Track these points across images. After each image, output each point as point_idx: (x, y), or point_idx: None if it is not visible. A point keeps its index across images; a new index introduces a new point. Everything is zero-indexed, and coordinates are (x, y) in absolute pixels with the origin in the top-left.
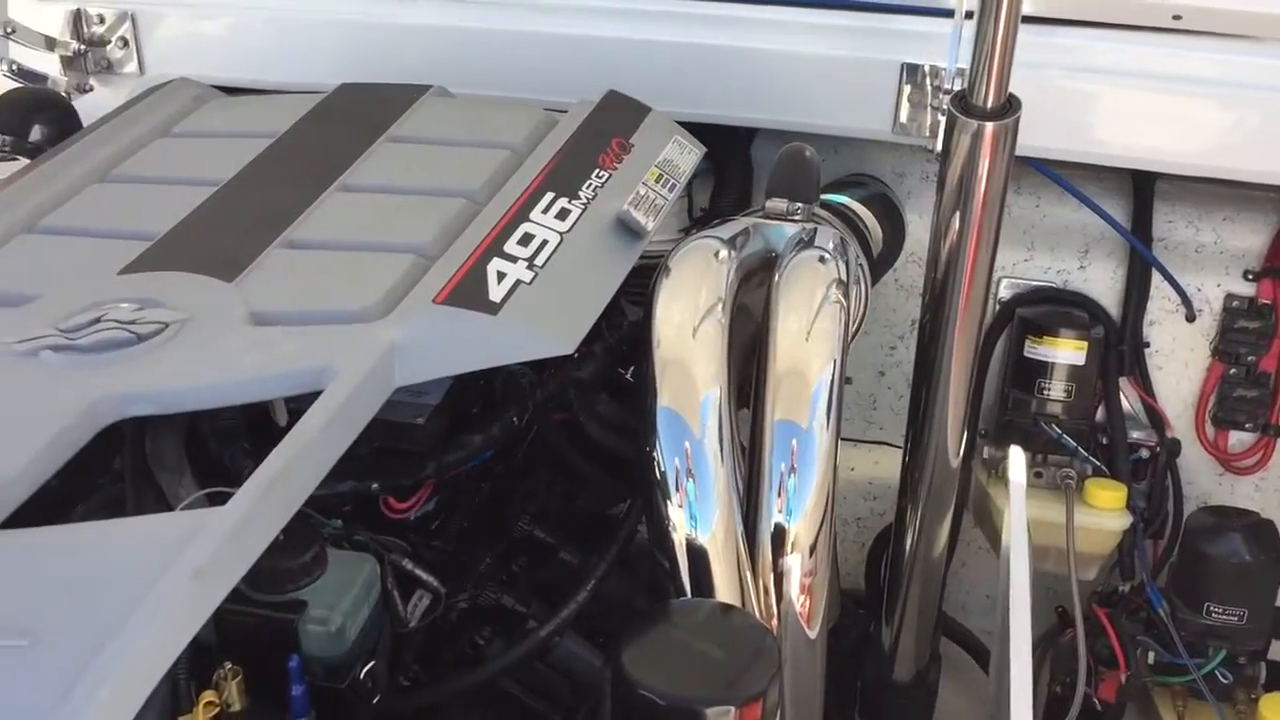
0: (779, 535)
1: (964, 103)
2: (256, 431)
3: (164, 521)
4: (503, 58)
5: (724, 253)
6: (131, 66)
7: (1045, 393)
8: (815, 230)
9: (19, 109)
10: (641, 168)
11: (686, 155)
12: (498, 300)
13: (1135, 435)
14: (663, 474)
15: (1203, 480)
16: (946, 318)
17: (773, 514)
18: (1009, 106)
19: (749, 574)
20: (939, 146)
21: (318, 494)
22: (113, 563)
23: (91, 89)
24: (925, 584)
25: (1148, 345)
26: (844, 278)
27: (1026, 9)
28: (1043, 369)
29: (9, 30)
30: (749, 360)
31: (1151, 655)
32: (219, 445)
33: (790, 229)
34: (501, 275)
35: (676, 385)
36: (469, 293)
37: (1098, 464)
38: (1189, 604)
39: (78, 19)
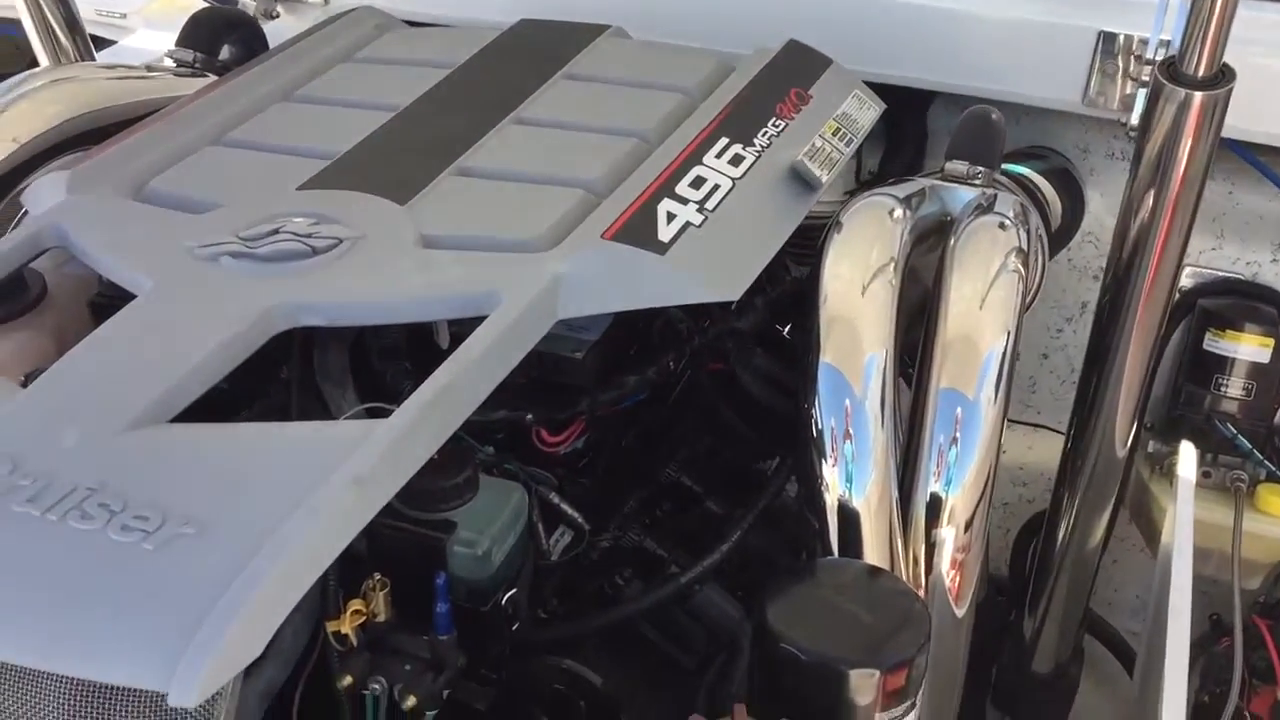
0: (934, 506)
1: (1172, 71)
2: (417, 353)
3: (329, 429)
4: (681, 3)
5: (899, 212)
6: None
7: (1222, 389)
8: (995, 196)
9: (211, 27)
10: (819, 120)
11: (866, 111)
12: (666, 240)
13: None
14: (820, 432)
15: None
16: (1128, 301)
17: (929, 484)
18: (1221, 77)
19: (900, 542)
20: (1134, 120)
21: (473, 419)
22: (279, 463)
23: (278, 15)
24: (1075, 577)
25: None
26: (1024, 246)
27: None
28: (1222, 364)
29: None
30: (912, 327)
31: None
32: (381, 362)
33: (968, 193)
34: (671, 216)
35: (841, 343)
36: (638, 231)
37: (1272, 469)
38: None
39: None
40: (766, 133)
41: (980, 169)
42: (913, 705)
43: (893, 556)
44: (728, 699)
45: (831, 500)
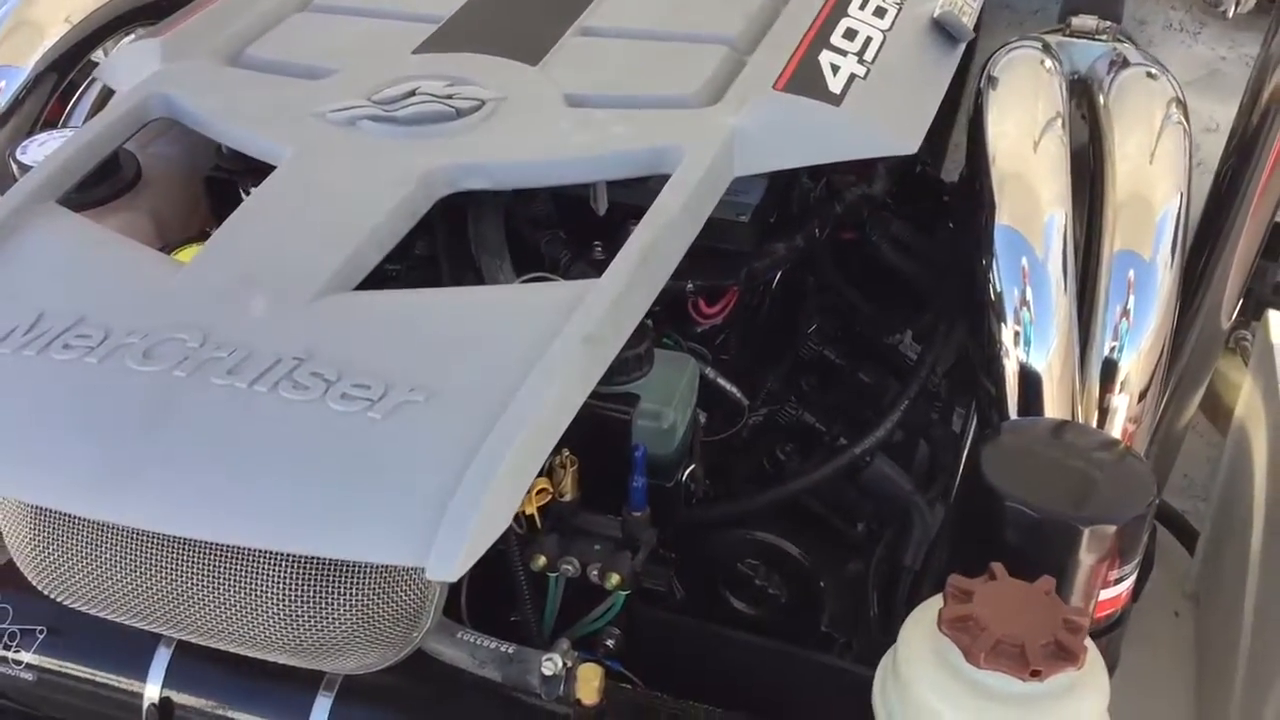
0: (1109, 372)
1: None
2: (568, 222)
3: (537, 291)
4: None
5: (1049, 62)
6: None
7: None
8: (1124, 50)
9: None
10: None
11: None
12: (838, 92)
13: None
14: (999, 294)
15: None
16: (1251, 167)
17: (1104, 349)
18: None
19: (1083, 407)
20: None
21: None
22: (495, 327)
23: None
24: (1165, 449)
25: None
26: (1181, 96)
27: None
28: None
29: None
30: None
31: None
32: (534, 233)
33: (1097, 48)
34: (835, 68)
35: (1018, 202)
36: (809, 82)
37: None
38: None
39: None
40: None
41: (1107, 23)
42: (1138, 563)
43: (1074, 419)
44: (902, 571)
45: (1012, 365)
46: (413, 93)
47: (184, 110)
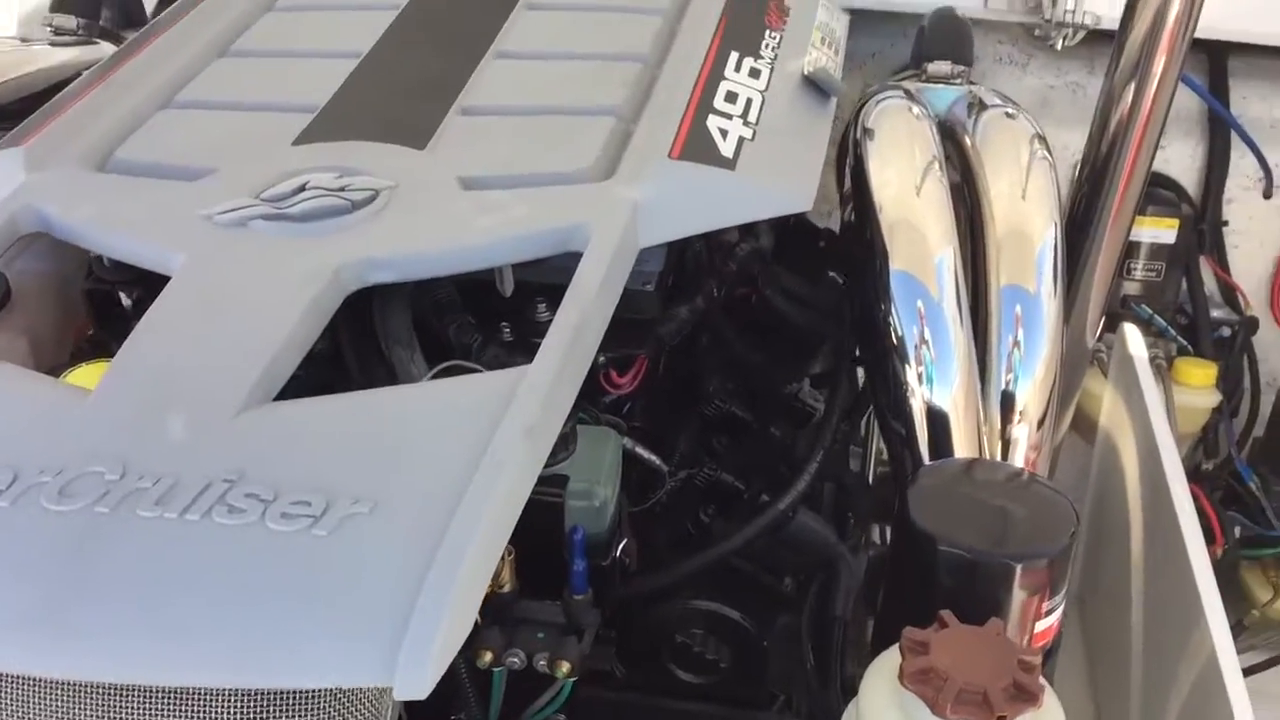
0: (1007, 403)
1: None
2: (472, 306)
3: (476, 383)
4: None
5: (917, 109)
6: None
7: (1133, 273)
8: (978, 93)
9: None
10: (805, 29)
11: (837, 19)
12: (730, 155)
13: (1214, 314)
14: (900, 338)
15: (1274, 357)
16: (1105, 195)
17: (1001, 382)
18: None
19: (987, 440)
20: (1063, 14)
21: None
22: (437, 425)
23: None
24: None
25: (1225, 223)
26: (1041, 132)
27: None
28: (1132, 249)
29: None
30: None
31: (1238, 530)
32: (442, 320)
33: (954, 92)
34: (724, 132)
35: (909, 246)
36: (701, 148)
37: (1183, 343)
38: None
39: None
40: (768, 44)
41: (961, 68)
42: (1066, 591)
43: (980, 454)
44: (833, 621)
45: (919, 405)
46: (303, 187)
47: (57, 223)
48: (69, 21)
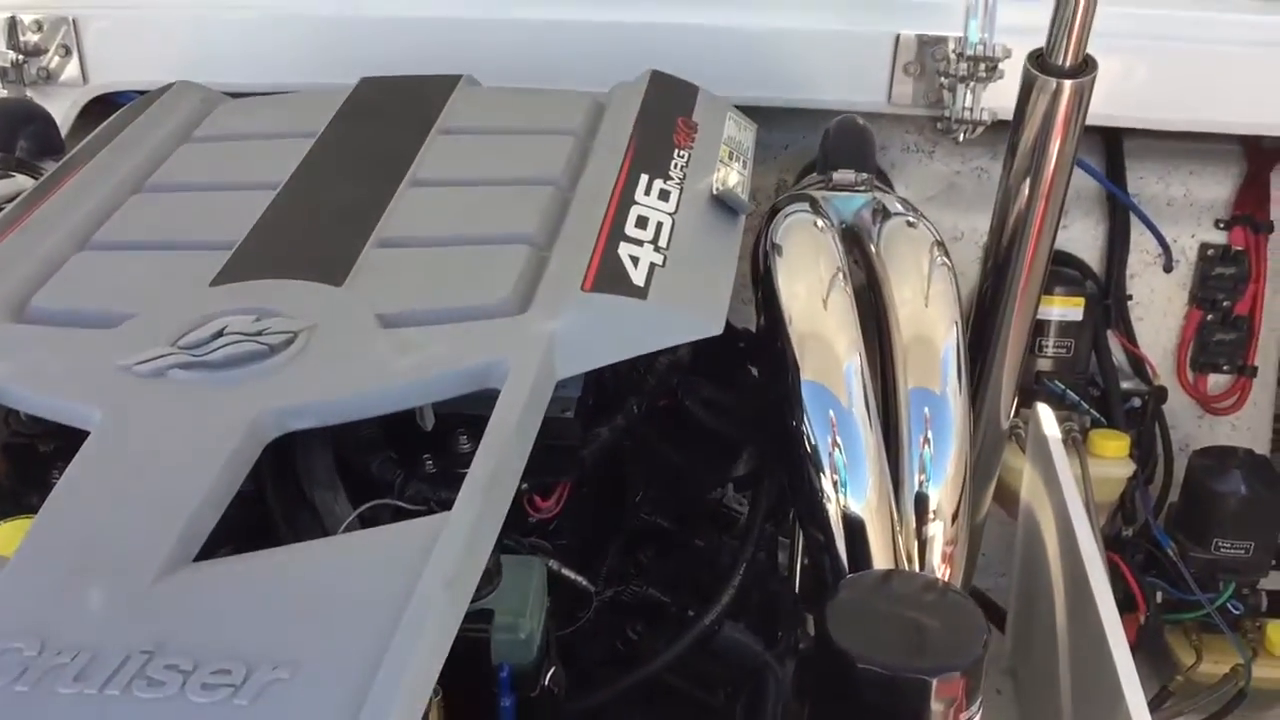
0: (921, 503)
1: (1041, 62)
2: (394, 442)
3: (385, 534)
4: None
5: (820, 222)
6: (72, 75)
7: (1044, 350)
8: (881, 199)
9: (5, 122)
10: (713, 145)
11: (745, 132)
12: (641, 284)
13: (1124, 385)
14: (813, 446)
15: (1185, 423)
16: (1010, 280)
17: (914, 483)
18: (1086, 65)
19: (902, 541)
20: (960, 112)
21: None
22: (356, 580)
23: (30, 100)
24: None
25: (1130, 298)
26: (940, 238)
27: None
28: (1041, 328)
29: None
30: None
31: (1160, 595)
32: (364, 457)
33: (858, 199)
34: (635, 259)
35: (818, 357)
36: (613, 278)
37: (1096, 415)
38: (1197, 542)
39: (12, 27)
40: (676, 164)
41: (864, 175)
42: (982, 702)
43: (897, 557)
44: None
45: (835, 511)
46: (220, 333)
47: None
48: None
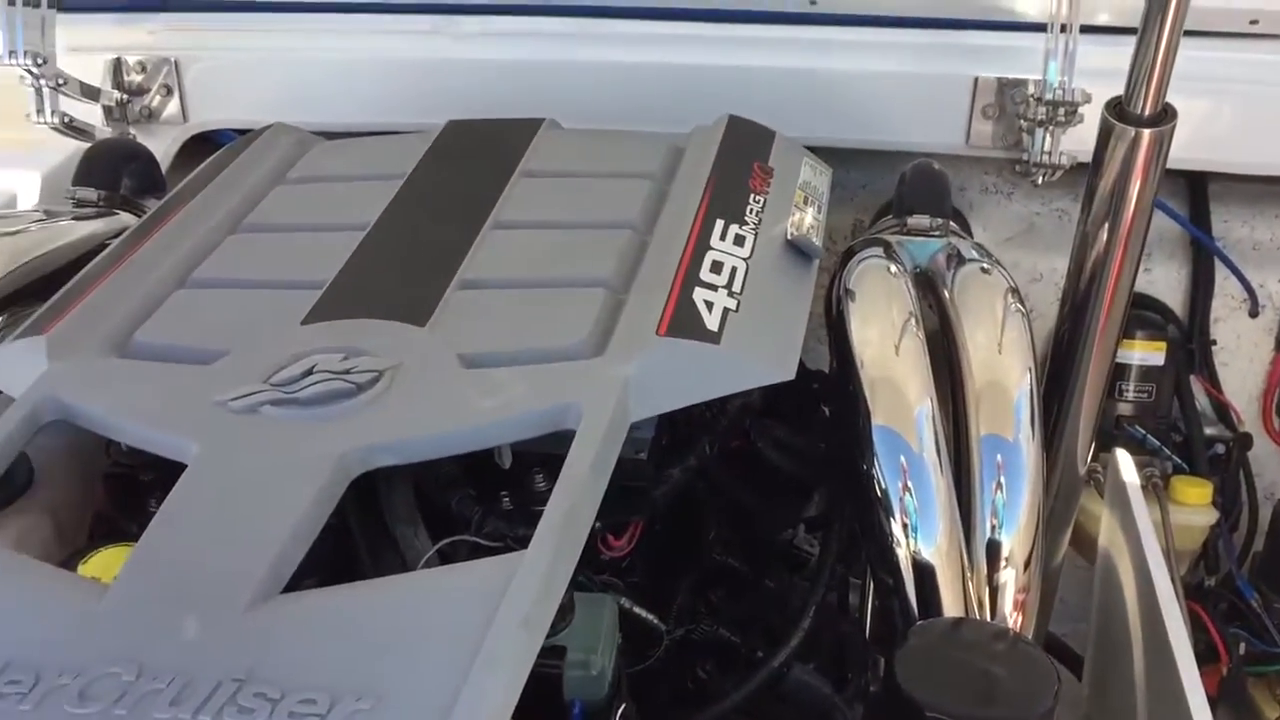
0: (993, 550)
1: (1119, 110)
2: (474, 478)
3: (464, 571)
4: (560, 88)
5: (893, 267)
6: (173, 113)
7: (1124, 395)
8: (956, 244)
9: (110, 161)
10: (788, 190)
11: (820, 176)
12: (715, 329)
13: (1208, 431)
14: (884, 491)
15: (1270, 471)
16: (1088, 325)
17: (986, 529)
18: (1165, 114)
19: (973, 587)
20: (1039, 156)
21: None
22: (435, 616)
23: (134, 138)
24: (1044, 589)
25: (1214, 343)
26: (1014, 285)
27: (1099, 19)
28: (1122, 372)
29: (60, 82)
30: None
31: (1243, 646)
32: (443, 493)
33: (933, 244)
34: (710, 304)
35: (889, 402)
36: (687, 323)
37: (1179, 462)
38: None
39: (118, 68)
40: (752, 209)
41: (939, 220)
42: None
43: (968, 604)
44: None
45: (905, 555)
46: (310, 371)
47: (78, 412)
48: (90, 194)
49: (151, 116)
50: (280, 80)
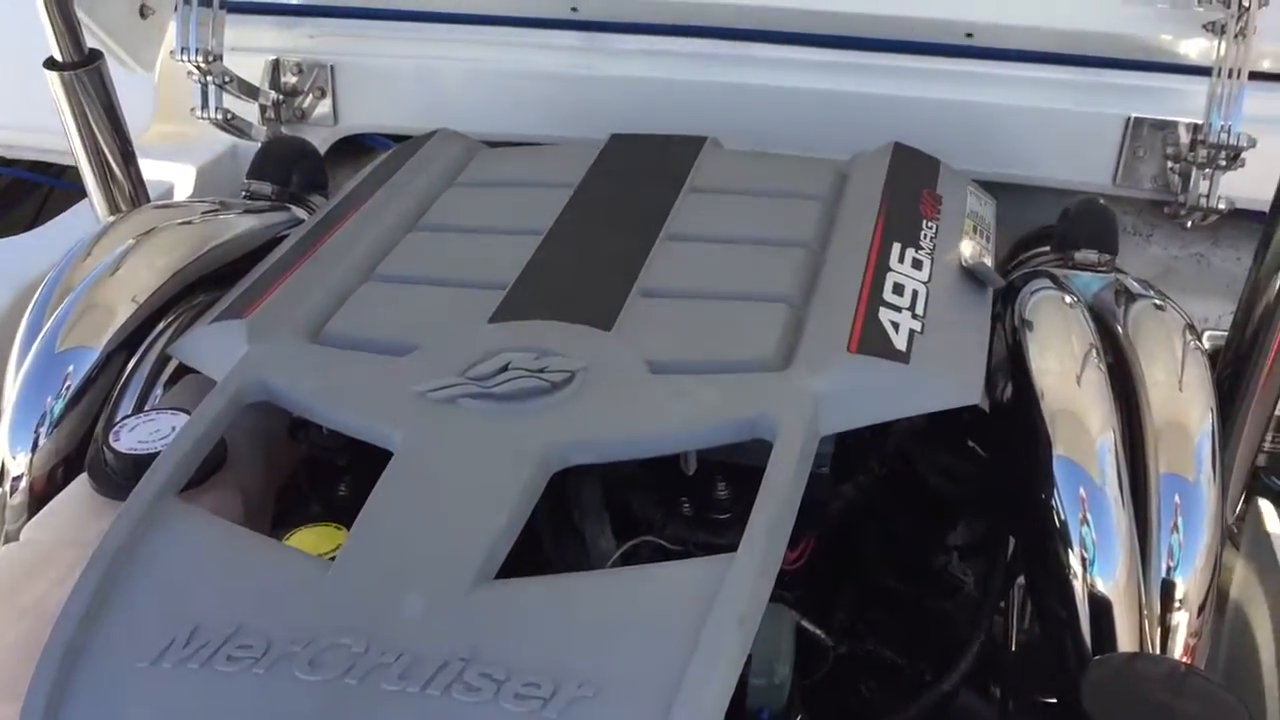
0: (1168, 591)
1: None
2: (657, 481)
3: (683, 569)
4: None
5: (1069, 299)
6: (323, 114)
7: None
8: (1123, 281)
9: (284, 158)
10: (957, 218)
11: (986, 206)
12: (903, 349)
13: None
14: (1063, 523)
15: None
16: (1250, 374)
17: (1161, 569)
18: None
19: (1148, 626)
20: (1195, 199)
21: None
22: (651, 609)
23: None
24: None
25: None
26: (1190, 322)
27: (1262, 66)
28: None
29: (225, 80)
30: None
31: None
32: (626, 493)
33: (1100, 280)
34: (895, 325)
35: (1071, 433)
36: (877, 342)
37: None
38: None
39: (276, 69)
40: (926, 235)
41: (1107, 256)
42: None
43: (1143, 641)
44: None
45: (1080, 589)
46: (505, 367)
47: (282, 394)
48: (264, 188)
49: (303, 117)
50: (431, 88)
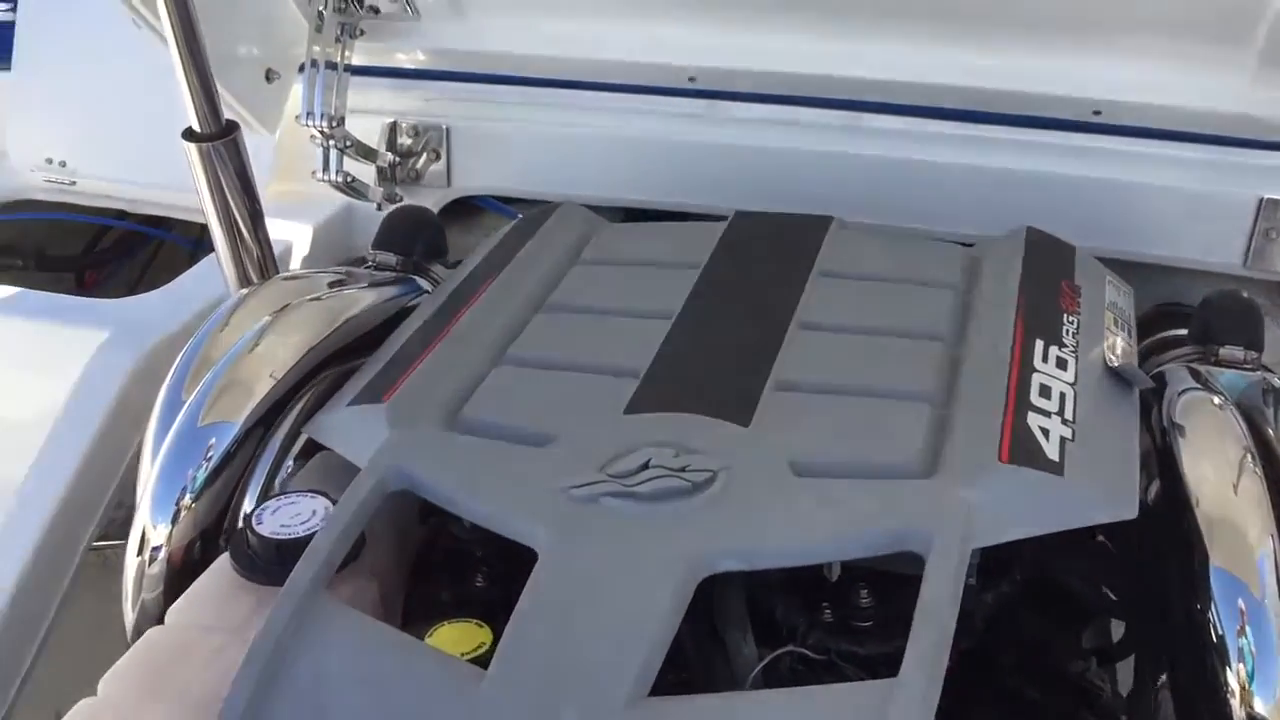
0: None
1: None
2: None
3: (850, 692)
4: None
5: (1217, 400)
6: (436, 175)
7: None
8: (1270, 379)
9: (408, 228)
10: (1097, 311)
11: (1125, 297)
12: (1056, 459)
13: None
14: (1220, 637)
15: None
16: None
17: None
18: None
19: None
20: None
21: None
22: None
23: (400, 199)
24: None
25: None
26: None
27: None
28: None
29: (347, 144)
30: None
31: None
32: (769, 599)
33: (1245, 379)
34: (1045, 431)
35: (1229, 543)
36: (1029, 451)
37: None
38: None
39: (393, 131)
40: (1068, 331)
41: (1254, 354)
42: None
43: None
44: None
45: (1238, 706)
46: (646, 465)
47: (424, 485)
48: (389, 258)
49: (417, 178)
50: (543, 152)
